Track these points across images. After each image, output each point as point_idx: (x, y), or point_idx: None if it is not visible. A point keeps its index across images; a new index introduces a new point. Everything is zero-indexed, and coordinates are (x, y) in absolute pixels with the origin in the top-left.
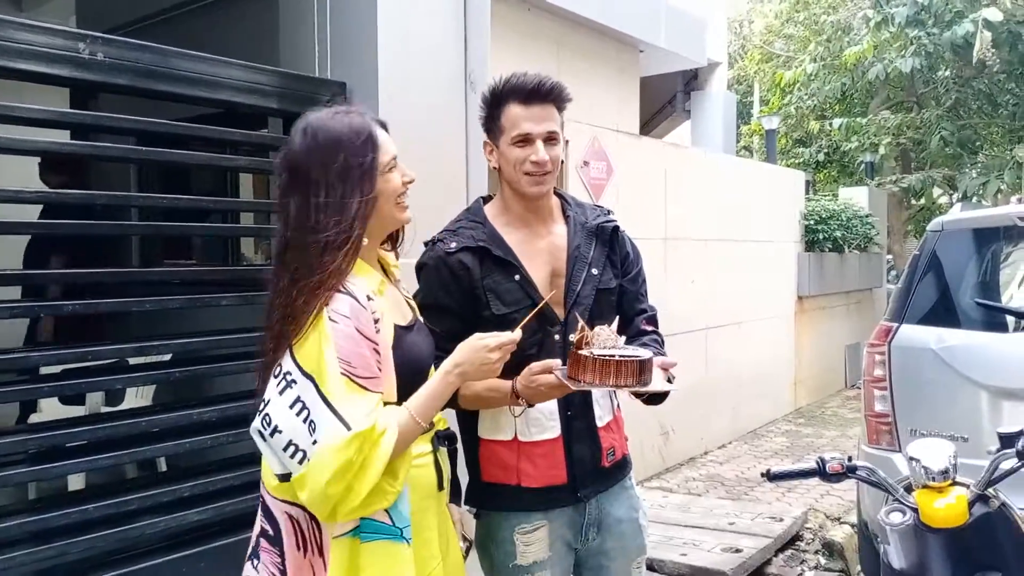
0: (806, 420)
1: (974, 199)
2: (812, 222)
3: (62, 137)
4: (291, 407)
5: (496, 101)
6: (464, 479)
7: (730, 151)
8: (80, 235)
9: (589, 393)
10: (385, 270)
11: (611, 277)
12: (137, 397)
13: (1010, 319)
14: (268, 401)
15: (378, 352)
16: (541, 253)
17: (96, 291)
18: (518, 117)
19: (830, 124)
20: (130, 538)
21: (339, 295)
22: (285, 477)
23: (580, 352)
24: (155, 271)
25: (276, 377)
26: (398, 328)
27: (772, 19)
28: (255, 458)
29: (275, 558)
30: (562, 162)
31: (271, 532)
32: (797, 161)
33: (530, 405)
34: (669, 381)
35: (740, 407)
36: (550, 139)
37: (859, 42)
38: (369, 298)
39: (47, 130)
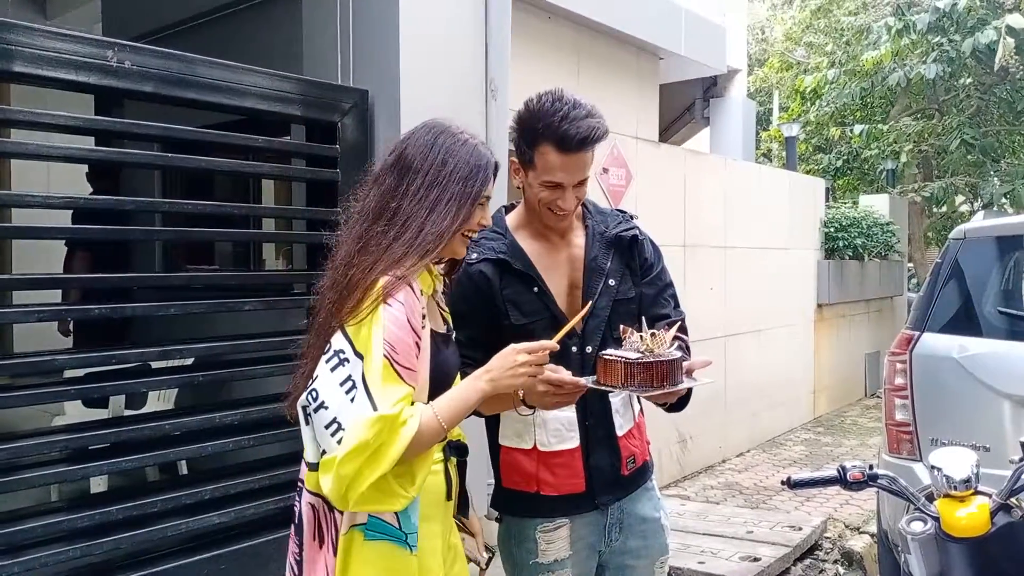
0: (825, 429)
1: (995, 208)
2: (832, 229)
3: (87, 144)
4: (341, 385)
5: (533, 137)
6: (472, 491)
7: (749, 158)
8: (107, 240)
9: (608, 402)
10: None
11: (630, 287)
12: (159, 401)
13: None
14: (317, 376)
15: (419, 347)
16: (560, 265)
17: (122, 295)
18: (553, 165)
19: (851, 130)
20: (152, 540)
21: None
22: (315, 466)
23: (601, 354)
24: (178, 276)
25: (327, 354)
26: (436, 335)
27: (792, 26)
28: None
29: (294, 548)
30: None
31: (296, 522)
32: (816, 168)
33: (530, 407)
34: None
35: (759, 415)
36: (580, 183)
37: (878, 47)
38: (422, 292)
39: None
